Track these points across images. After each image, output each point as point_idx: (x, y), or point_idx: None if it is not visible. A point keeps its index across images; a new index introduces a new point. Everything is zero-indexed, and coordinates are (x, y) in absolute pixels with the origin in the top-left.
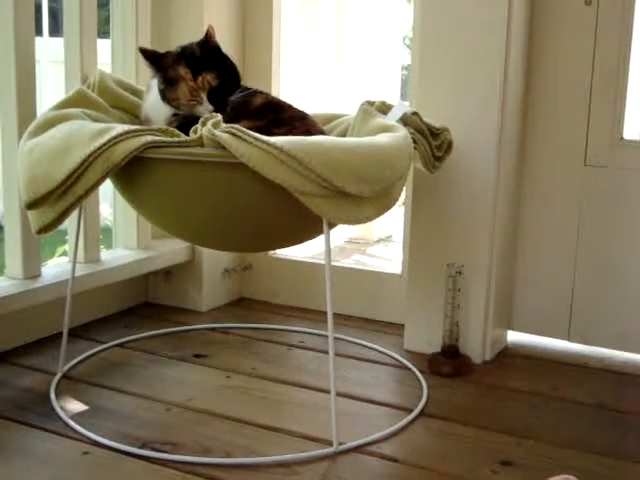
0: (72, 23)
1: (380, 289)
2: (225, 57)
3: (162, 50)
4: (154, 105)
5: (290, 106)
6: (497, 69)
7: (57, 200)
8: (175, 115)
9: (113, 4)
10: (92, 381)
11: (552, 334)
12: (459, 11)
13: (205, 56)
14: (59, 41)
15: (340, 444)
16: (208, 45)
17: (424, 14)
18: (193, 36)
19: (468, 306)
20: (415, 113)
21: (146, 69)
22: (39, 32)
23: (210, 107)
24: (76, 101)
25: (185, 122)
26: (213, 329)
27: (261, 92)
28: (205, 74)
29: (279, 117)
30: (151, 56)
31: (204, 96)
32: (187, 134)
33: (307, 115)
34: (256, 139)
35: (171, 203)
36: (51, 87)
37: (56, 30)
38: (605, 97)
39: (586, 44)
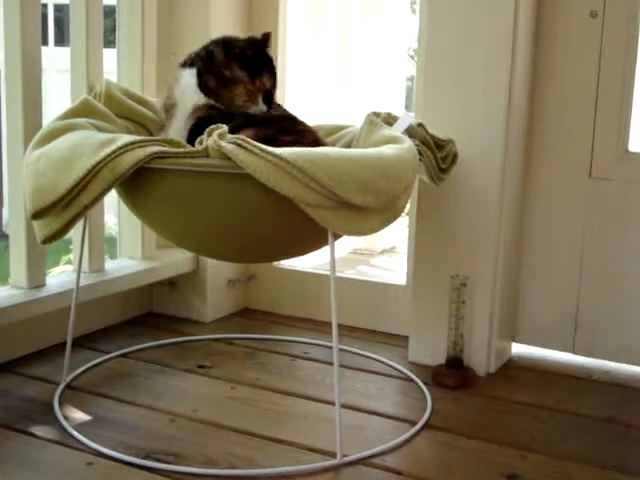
0: (78, 32)
1: (384, 300)
2: (272, 60)
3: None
4: (184, 93)
5: (303, 122)
6: (502, 80)
7: (62, 210)
8: (210, 108)
9: (119, 13)
10: (96, 391)
11: (557, 346)
12: (464, 22)
13: (259, 59)
14: (65, 50)
15: (344, 456)
16: (263, 48)
17: (429, 25)
18: (199, 46)
19: (472, 318)
20: (420, 124)
21: (152, 78)
22: (45, 42)
23: (264, 108)
24: (82, 111)
25: (211, 117)
26: (217, 340)
27: (279, 105)
28: (262, 77)
29: (288, 126)
30: (200, 58)
31: (260, 98)
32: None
33: (316, 132)
34: (262, 150)
35: (176, 213)
36: (57, 97)
37: (62, 40)
38: (610, 109)
39: (591, 56)
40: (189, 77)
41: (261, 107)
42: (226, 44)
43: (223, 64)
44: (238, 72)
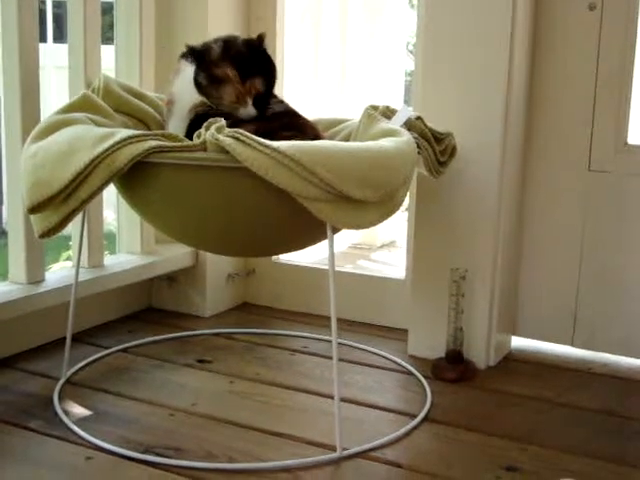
0: (77, 29)
1: (384, 294)
2: (271, 62)
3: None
4: (182, 90)
5: (304, 117)
6: (501, 74)
7: (60, 204)
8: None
9: (117, 10)
10: (95, 386)
11: (556, 339)
12: (462, 17)
13: (254, 60)
14: (63, 47)
15: (344, 449)
16: (259, 48)
17: (427, 20)
18: (196, 42)
19: (472, 311)
20: (419, 118)
21: (151, 75)
22: (43, 38)
23: (254, 112)
24: (80, 105)
25: (210, 114)
26: (217, 334)
27: (282, 101)
28: (254, 79)
29: (288, 122)
30: (195, 52)
31: (250, 101)
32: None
33: (317, 127)
34: (260, 143)
35: (174, 208)
36: (55, 93)
37: (60, 36)
38: (609, 102)
39: (590, 49)
40: (190, 71)
41: (249, 110)
42: (226, 42)
43: (216, 62)
44: (229, 71)
